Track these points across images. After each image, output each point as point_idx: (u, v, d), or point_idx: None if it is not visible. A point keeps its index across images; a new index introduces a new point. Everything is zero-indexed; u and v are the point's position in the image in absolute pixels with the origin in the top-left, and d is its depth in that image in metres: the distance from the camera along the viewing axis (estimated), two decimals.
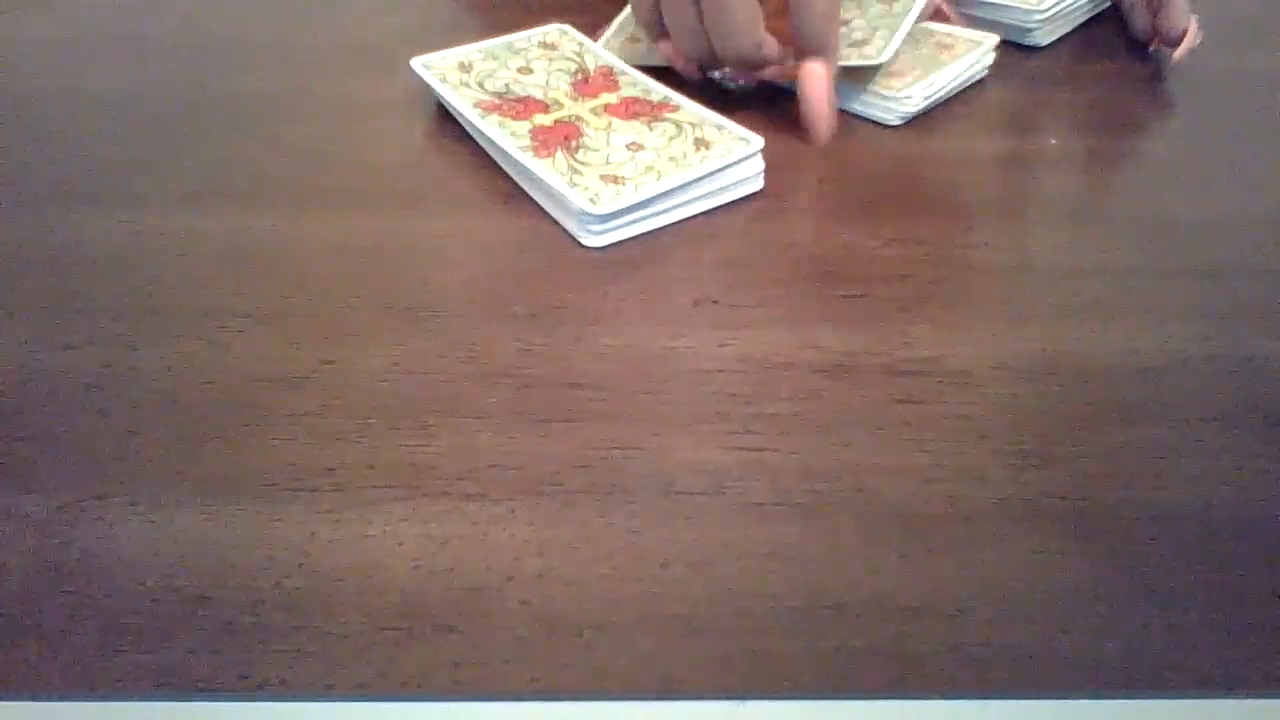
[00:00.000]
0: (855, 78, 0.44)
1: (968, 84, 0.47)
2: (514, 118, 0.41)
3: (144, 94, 0.47)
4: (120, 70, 0.49)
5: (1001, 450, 0.30)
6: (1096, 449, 0.30)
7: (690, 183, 0.38)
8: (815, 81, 0.42)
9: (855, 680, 0.24)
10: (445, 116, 0.44)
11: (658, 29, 0.44)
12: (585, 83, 0.44)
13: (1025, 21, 0.50)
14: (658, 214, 0.38)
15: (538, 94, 0.43)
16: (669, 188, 0.38)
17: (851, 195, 0.41)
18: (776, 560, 0.27)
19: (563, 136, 0.40)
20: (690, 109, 0.42)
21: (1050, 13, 0.50)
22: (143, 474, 0.29)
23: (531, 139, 0.40)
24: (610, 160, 0.39)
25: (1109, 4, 0.54)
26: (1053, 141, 0.45)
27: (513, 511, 0.28)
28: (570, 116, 0.42)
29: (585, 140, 0.40)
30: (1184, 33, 0.48)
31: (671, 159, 0.39)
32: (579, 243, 0.37)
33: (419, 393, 0.31)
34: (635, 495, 0.28)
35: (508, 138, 0.40)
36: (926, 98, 0.44)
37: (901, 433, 0.30)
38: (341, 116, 0.45)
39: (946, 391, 0.32)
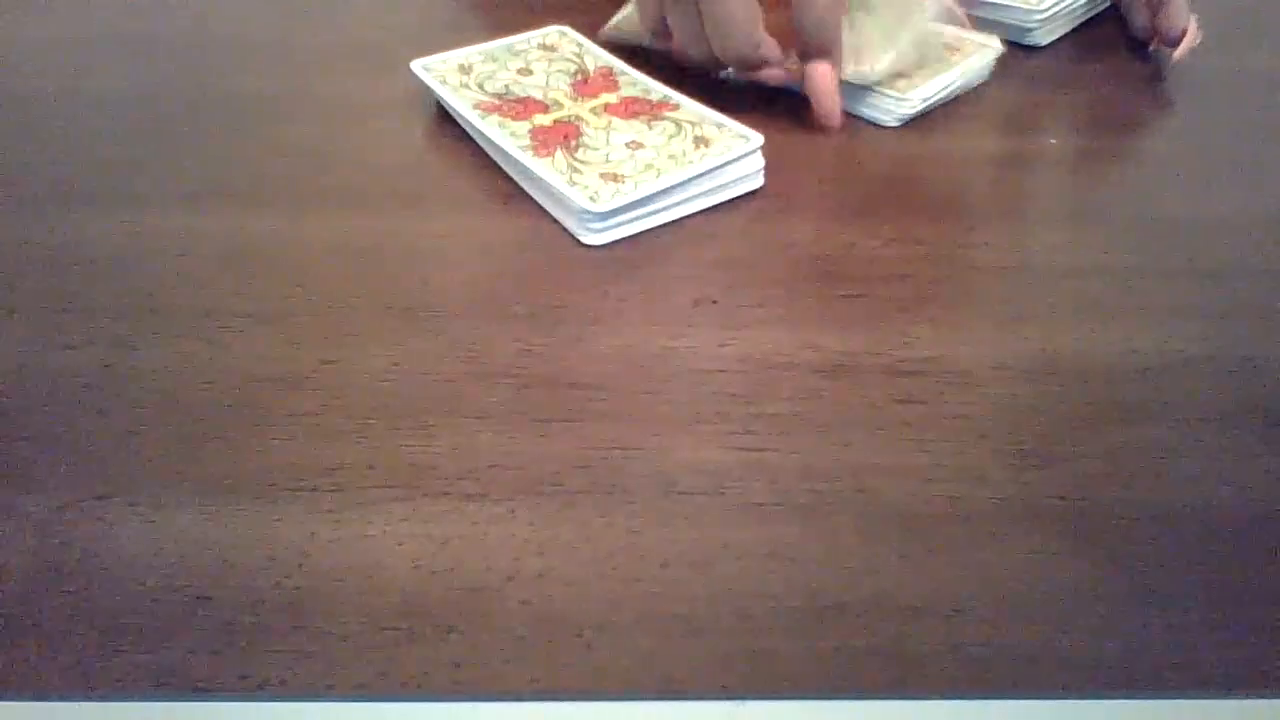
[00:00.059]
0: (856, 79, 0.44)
1: (968, 88, 0.47)
2: (514, 118, 0.41)
3: (144, 94, 0.47)
4: (120, 70, 0.49)
5: (1001, 450, 0.30)
6: (1096, 449, 0.30)
7: (690, 180, 0.38)
8: (822, 83, 0.43)
9: (855, 680, 0.24)
10: (445, 117, 0.44)
11: (663, 31, 0.44)
12: (585, 83, 0.44)
13: (1025, 21, 0.50)
14: (658, 212, 0.38)
15: (537, 94, 0.43)
16: (669, 185, 0.38)
17: (851, 195, 0.41)
18: (776, 560, 0.27)
19: (562, 136, 0.40)
20: (690, 108, 0.42)
21: (1050, 13, 0.50)
22: (143, 474, 0.29)
23: (531, 139, 0.40)
24: (610, 159, 0.39)
25: (1109, 4, 0.53)
26: (1053, 141, 0.45)
27: (513, 511, 0.28)
28: (570, 116, 0.42)
29: (585, 139, 0.40)
30: (1183, 32, 0.48)
31: (671, 157, 0.39)
32: (579, 243, 0.37)
33: (419, 393, 0.31)
34: (635, 495, 0.28)
35: (507, 138, 0.40)
36: (925, 100, 0.44)
37: (901, 433, 0.30)
38: (341, 116, 0.45)
39: (946, 391, 0.32)
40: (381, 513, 0.28)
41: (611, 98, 0.43)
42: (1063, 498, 0.28)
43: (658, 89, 0.43)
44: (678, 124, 0.41)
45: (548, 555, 0.27)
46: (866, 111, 0.45)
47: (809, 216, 0.39)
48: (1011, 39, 0.50)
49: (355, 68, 0.49)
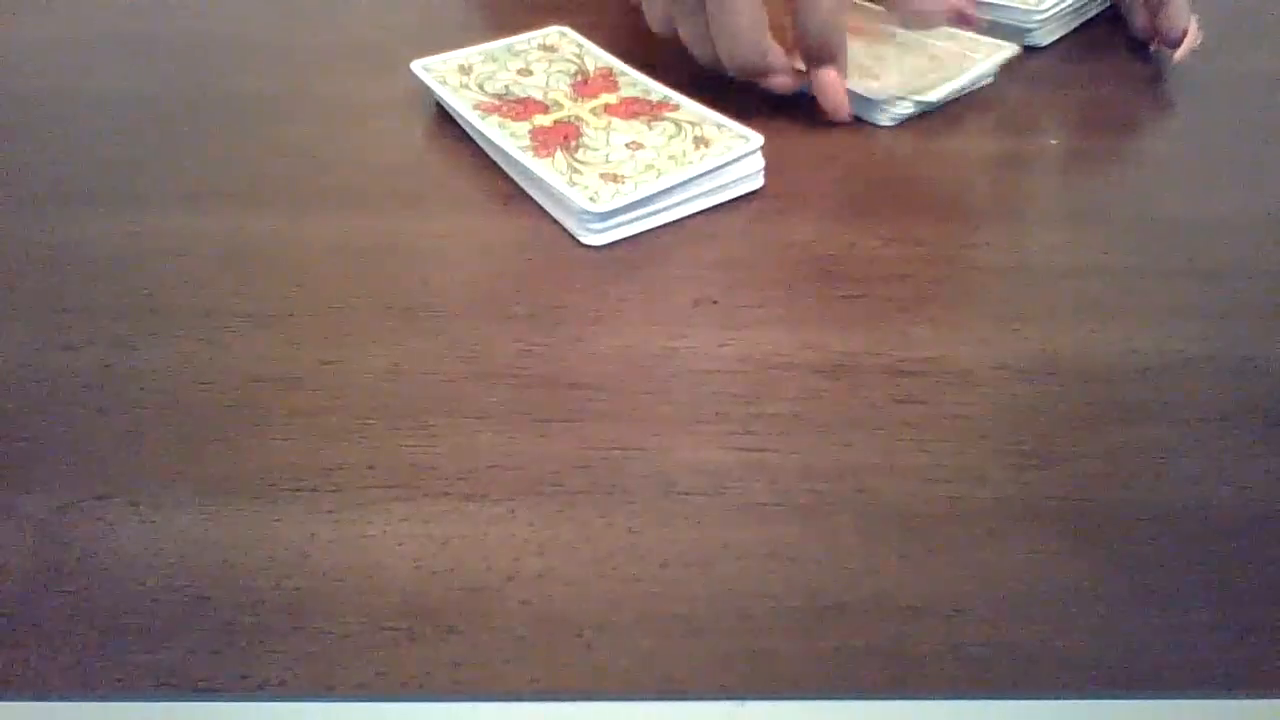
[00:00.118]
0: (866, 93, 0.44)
1: (973, 88, 0.47)
2: (514, 118, 0.41)
3: (144, 94, 0.47)
4: (120, 70, 0.49)
5: (1001, 450, 0.30)
6: (1096, 449, 0.30)
7: (690, 180, 0.38)
8: (831, 91, 0.43)
9: (855, 680, 0.24)
10: (445, 117, 0.44)
11: (671, 34, 0.44)
12: (585, 84, 0.44)
13: (1025, 21, 0.50)
14: (658, 212, 0.38)
15: (537, 95, 0.43)
16: (669, 185, 0.38)
17: (851, 195, 0.41)
18: (776, 560, 0.27)
19: (562, 136, 0.40)
20: (690, 108, 0.42)
21: (1050, 13, 0.50)
22: (143, 474, 0.29)
23: (531, 139, 0.40)
24: (610, 159, 0.39)
25: (1109, 4, 0.53)
26: (1053, 141, 0.45)
27: (513, 511, 0.28)
28: (570, 117, 0.42)
29: (585, 140, 0.40)
30: (1184, 33, 0.48)
31: (671, 157, 0.39)
32: (579, 243, 0.37)
33: (419, 393, 0.31)
34: (635, 495, 0.28)
35: (507, 138, 0.40)
36: (918, 102, 0.44)
37: (901, 433, 0.30)
38: (341, 116, 0.45)
39: (946, 391, 0.32)
40: (381, 513, 0.28)
41: (611, 98, 0.43)
42: (1063, 498, 0.28)
43: (658, 89, 0.43)
44: (678, 124, 0.41)
45: (548, 555, 0.27)
46: (865, 112, 0.45)
47: (809, 216, 0.39)
48: (1011, 39, 0.50)
49: (355, 68, 0.49)
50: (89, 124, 0.45)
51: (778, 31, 0.43)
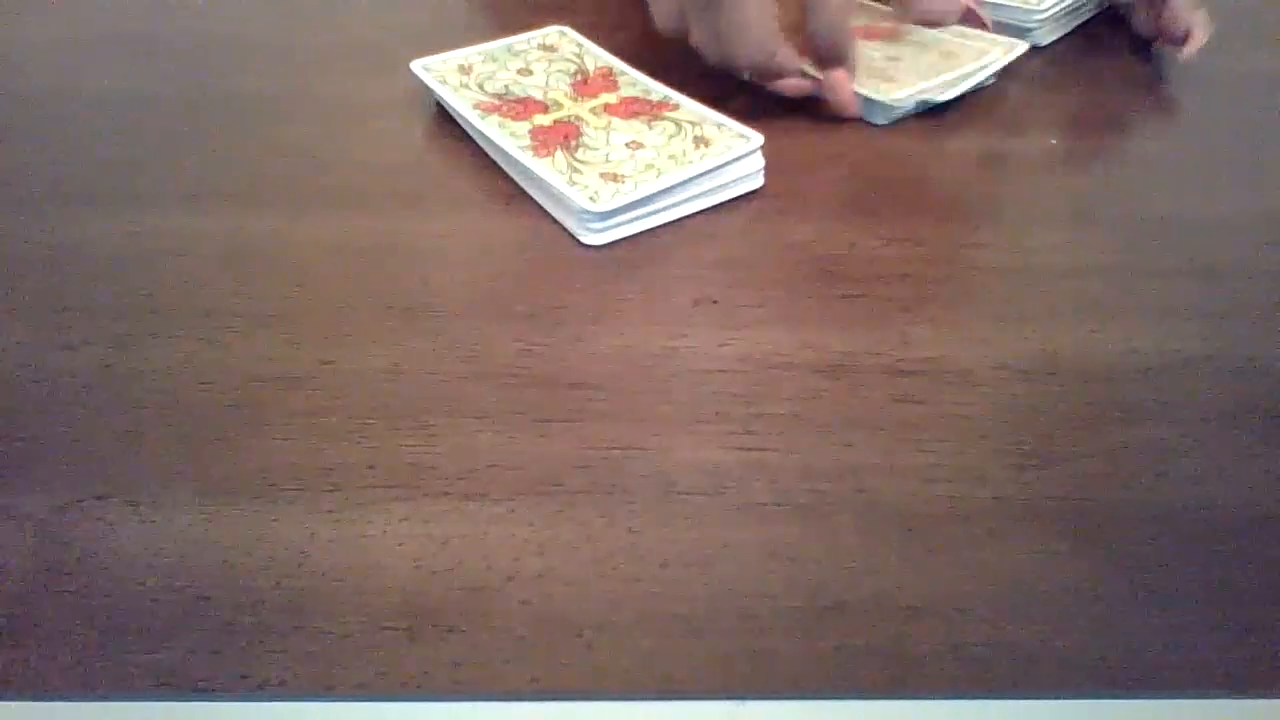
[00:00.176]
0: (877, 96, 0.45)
1: (972, 90, 0.47)
2: (514, 118, 0.41)
3: (144, 94, 0.47)
4: (120, 70, 0.49)
5: (1001, 450, 0.30)
6: (1096, 449, 0.30)
7: (690, 180, 0.38)
8: (840, 91, 0.43)
9: (855, 680, 0.24)
10: (445, 117, 0.44)
11: (680, 32, 0.44)
12: (585, 83, 0.44)
13: (1025, 21, 0.50)
14: (658, 212, 0.38)
15: (537, 95, 0.43)
16: (669, 185, 0.38)
17: (851, 195, 0.41)
18: (776, 560, 0.27)
19: (562, 136, 0.40)
20: (690, 108, 0.42)
21: (1050, 12, 0.50)
22: (143, 474, 0.29)
23: (531, 139, 0.40)
24: (610, 159, 0.39)
25: (1108, 4, 0.53)
26: (1053, 141, 0.45)
27: (513, 511, 0.28)
28: (570, 116, 0.42)
29: (585, 139, 0.40)
30: (1187, 32, 0.48)
31: (671, 157, 0.39)
32: (579, 243, 0.37)
33: (419, 393, 0.31)
34: (635, 495, 0.28)
35: (507, 138, 0.40)
36: (921, 102, 0.44)
37: (901, 433, 0.30)
38: (341, 116, 0.45)
39: (946, 391, 0.32)
40: (381, 513, 0.28)
41: (611, 98, 0.43)
42: (1063, 498, 0.28)
43: (658, 89, 0.43)
44: (678, 124, 0.41)
45: (548, 555, 0.27)
46: (866, 112, 0.45)
47: (809, 216, 0.39)
48: (1011, 39, 0.50)
49: (355, 68, 0.49)
50: (89, 124, 0.45)
51: (790, 34, 0.43)
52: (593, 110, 0.42)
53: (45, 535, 0.27)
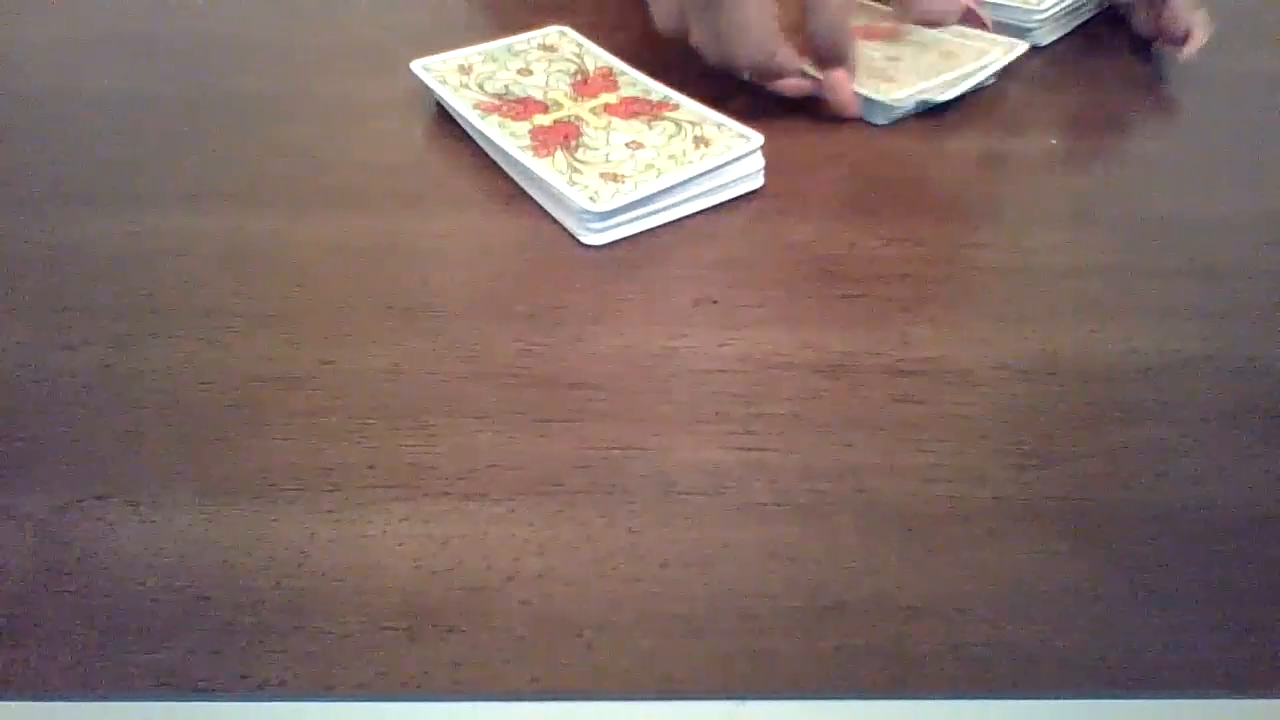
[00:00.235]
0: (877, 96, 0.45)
1: (972, 90, 0.47)
2: (514, 118, 0.41)
3: (144, 94, 0.47)
4: (120, 70, 0.49)
5: (1001, 450, 0.30)
6: (1096, 449, 0.30)
7: (690, 180, 0.38)
8: (840, 90, 0.43)
9: (855, 680, 0.24)
10: (445, 117, 0.44)
11: (680, 32, 0.44)
12: (585, 83, 0.44)
13: (1025, 21, 0.50)
14: (658, 212, 0.38)
15: (537, 95, 0.43)
16: (669, 185, 0.38)
17: (851, 195, 0.41)
18: (776, 560, 0.27)
19: (562, 136, 0.40)
20: (690, 108, 0.42)
21: (1050, 12, 0.50)
22: (143, 474, 0.29)
23: (531, 139, 0.40)
24: (610, 159, 0.39)
25: (1108, 4, 0.53)
26: (1053, 141, 0.45)
27: (513, 511, 0.28)
28: (570, 116, 0.42)
29: (585, 139, 0.40)
30: (1187, 32, 0.48)
31: (671, 157, 0.39)
32: (579, 243, 0.37)
33: (419, 393, 0.31)
34: (635, 495, 0.28)
35: (507, 138, 0.40)
36: (921, 102, 0.44)
37: (901, 433, 0.30)
38: (341, 116, 0.45)
39: (946, 391, 0.32)
40: (381, 513, 0.28)
41: (611, 98, 0.43)
42: (1063, 498, 0.28)
43: (658, 89, 0.43)
44: (678, 124, 0.41)
45: (548, 555, 0.27)
46: (866, 111, 0.45)
47: (809, 216, 0.39)
48: (1011, 39, 0.50)
49: (355, 68, 0.49)
50: (89, 124, 0.45)
51: (790, 34, 0.43)
52: (593, 110, 0.42)
53: (45, 535, 0.27)
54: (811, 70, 0.44)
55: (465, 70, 0.45)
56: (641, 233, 0.38)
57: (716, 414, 0.31)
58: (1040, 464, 0.29)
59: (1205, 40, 0.48)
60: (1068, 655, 0.25)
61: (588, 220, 0.37)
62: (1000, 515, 0.28)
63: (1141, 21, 0.51)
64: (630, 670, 0.24)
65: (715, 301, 0.35)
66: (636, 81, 0.44)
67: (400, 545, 0.27)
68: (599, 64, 0.45)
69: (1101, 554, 0.27)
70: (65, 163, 0.42)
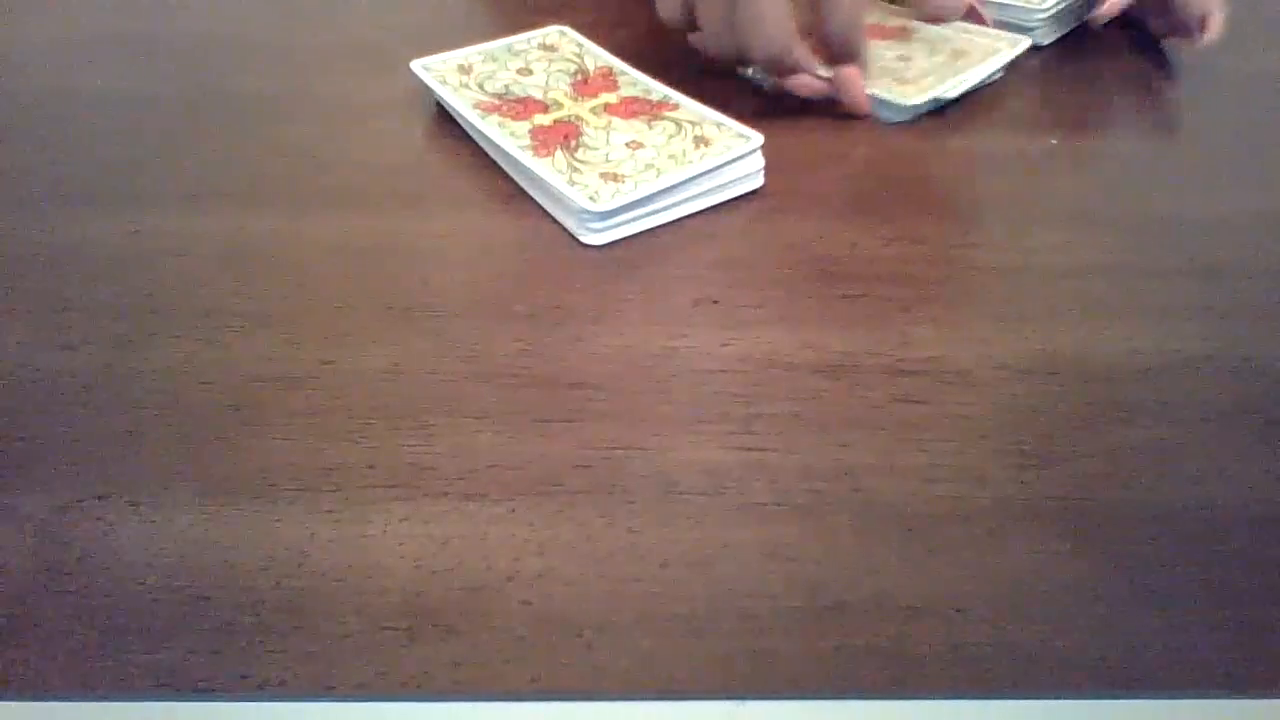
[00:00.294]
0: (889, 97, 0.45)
1: (979, 86, 0.47)
2: (514, 118, 0.41)
3: (144, 94, 0.47)
4: (120, 70, 0.49)
5: (1001, 450, 0.30)
6: (1096, 449, 0.30)
7: (690, 180, 0.38)
8: (853, 89, 0.44)
9: (855, 680, 0.24)
10: (445, 117, 0.44)
11: (685, 24, 0.44)
12: (585, 83, 0.44)
13: (1026, 21, 0.50)
14: (658, 211, 0.38)
15: (537, 94, 0.43)
16: (669, 185, 0.38)
17: (852, 194, 0.41)
18: (776, 560, 0.27)
19: (562, 136, 0.40)
20: (690, 107, 0.42)
21: (1051, 12, 0.50)
22: (143, 474, 0.29)
23: (531, 139, 0.40)
24: (610, 159, 0.39)
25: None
26: (1053, 141, 0.45)
27: (513, 511, 0.28)
28: (570, 116, 0.42)
29: (585, 139, 0.40)
30: (1205, 17, 0.47)
31: (671, 156, 0.39)
32: (579, 243, 0.37)
33: (419, 393, 0.31)
34: (635, 495, 0.28)
35: (507, 138, 0.40)
36: (933, 101, 0.44)
37: (901, 433, 0.30)
38: (341, 116, 0.45)
39: (946, 391, 0.32)
40: (381, 513, 0.28)
41: (611, 98, 0.43)
42: (1063, 498, 0.28)
43: (658, 89, 0.43)
44: (678, 124, 0.41)
45: (548, 555, 0.27)
46: (883, 111, 0.45)
47: (809, 216, 0.39)
48: (1014, 35, 0.50)
49: (355, 68, 0.49)
50: (89, 124, 0.45)
51: (802, 36, 0.43)
52: (593, 110, 0.42)
53: (45, 535, 0.27)
54: (823, 71, 0.44)
55: (465, 70, 0.45)
56: (641, 233, 0.38)
57: (716, 414, 0.31)
58: (1040, 464, 0.29)
59: (1221, 23, 0.47)
60: (1068, 655, 0.25)
61: (588, 220, 0.37)
62: (1000, 515, 0.28)
63: (1154, 19, 0.50)
64: (630, 670, 0.24)
65: (715, 301, 0.35)
66: (637, 81, 0.44)
67: (400, 545, 0.27)
68: (599, 64, 0.45)
69: (1101, 554, 0.27)
70: (65, 163, 0.42)
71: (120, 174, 0.41)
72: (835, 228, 0.39)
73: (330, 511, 0.28)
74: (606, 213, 0.37)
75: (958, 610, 0.26)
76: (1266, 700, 0.24)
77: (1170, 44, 0.50)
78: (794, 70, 0.43)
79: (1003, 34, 0.48)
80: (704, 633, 0.25)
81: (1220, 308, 0.35)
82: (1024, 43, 0.47)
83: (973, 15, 0.48)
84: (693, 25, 0.43)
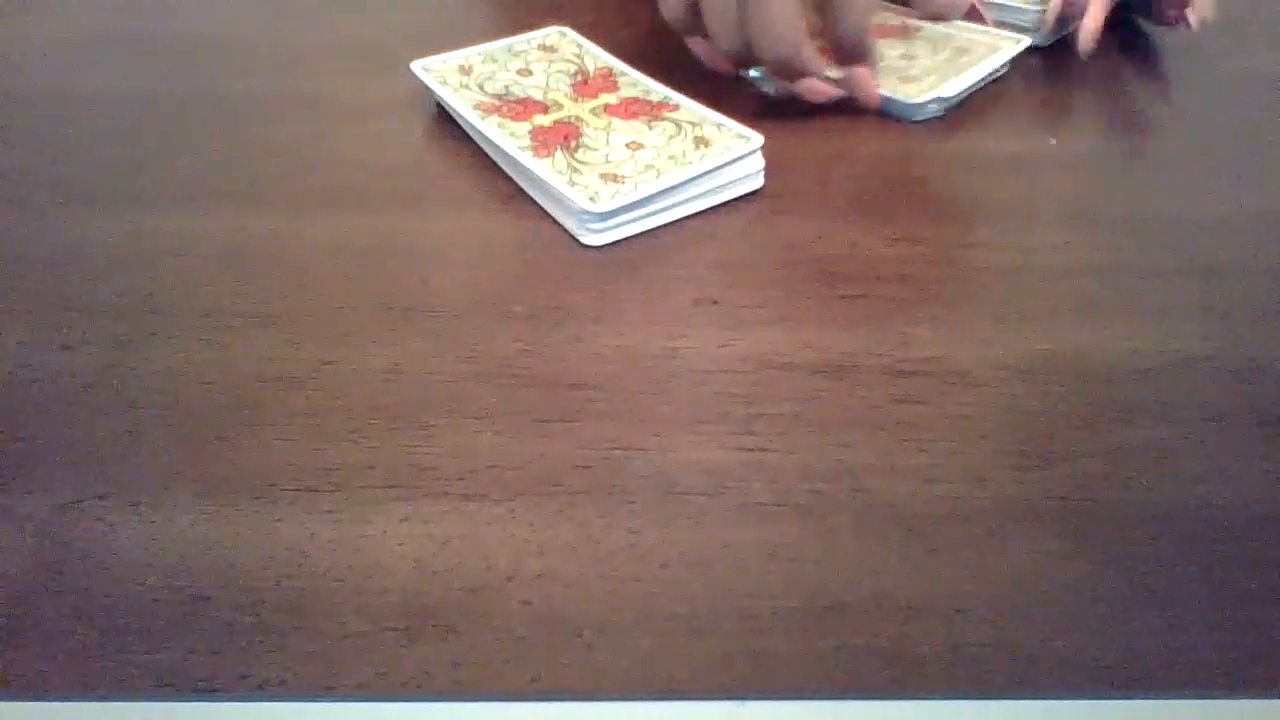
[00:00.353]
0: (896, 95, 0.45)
1: (983, 84, 0.47)
2: (514, 119, 0.41)
3: (144, 94, 0.47)
4: (119, 70, 0.49)
5: (1001, 450, 0.30)
6: (1096, 449, 0.30)
7: (690, 180, 0.38)
8: (864, 87, 0.44)
9: (855, 680, 0.24)
10: (445, 117, 0.44)
11: (688, 25, 0.44)
12: (585, 84, 0.44)
13: (1026, 21, 0.50)
14: (658, 212, 0.38)
15: (537, 95, 0.43)
16: (669, 185, 0.38)
17: (852, 195, 0.41)
18: (776, 560, 0.27)
19: (562, 136, 0.40)
20: (690, 108, 0.42)
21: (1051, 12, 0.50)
22: (143, 474, 0.29)
23: (531, 139, 0.40)
24: (610, 159, 0.39)
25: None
26: (1053, 141, 0.45)
27: (513, 511, 0.28)
28: (570, 117, 0.42)
29: (585, 140, 0.40)
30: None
31: (671, 157, 0.39)
32: (579, 243, 0.37)
33: (419, 393, 0.31)
34: (635, 495, 0.28)
35: (507, 138, 0.40)
36: (944, 102, 0.45)
37: (901, 433, 0.30)
38: (342, 117, 0.45)
39: (946, 391, 0.32)
40: (381, 513, 0.28)
41: (611, 98, 0.43)
42: (1063, 498, 0.28)
43: (658, 89, 0.43)
44: (678, 124, 0.41)
45: (548, 555, 0.27)
46: (899, 111, 0.45)
47: (809, 217, 0.39)
48: (1015, 33, 0.50)
49: (355, 68, 0.49)
50: (89, 124, 0.45)
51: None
52: (593, 111, 0.42)
53: (45, 535, 0.27)
54: (829, 72, 0.44)
55: (465, 71, 0.45)
56: (641, 233, 0.38)
57: (716, 414, 0.31)
58: (1040, 464, 0.29)
59: (1208, 13, 0.47)
60: (1068, 655, 0.25)
61: (588, 220, 0.37)
62: (1000, 515, 0.28)
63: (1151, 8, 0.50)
64: (630, 670, 0.24)
65: (715, 302, 0.35)
66: (636, 82, 0.44)
67: (400, 545, 0.27)
68: (599, 64, 0.45)
69: (1101, 554, 0.27)
70: (65, 163, 0.42)
71: (120, 174, 0.41)
72: (835, 228, 0.39)
73: (330, 511, 0.28)
74: (606, 213, 0.37)
75: (958, 610, 0.26)
76: (1266, 700, 0.24)
77: (1160, 32, 0.50)
78: (802, 73, 0.43)
79: (1003, 32, 0.48)
80: (704, 633, 0.25)
81: (1220, 308, 0.35)
82: (1025, 39, 0.47)
83: (973, 14, 0.48)
84: (697, 26, 0.43)
